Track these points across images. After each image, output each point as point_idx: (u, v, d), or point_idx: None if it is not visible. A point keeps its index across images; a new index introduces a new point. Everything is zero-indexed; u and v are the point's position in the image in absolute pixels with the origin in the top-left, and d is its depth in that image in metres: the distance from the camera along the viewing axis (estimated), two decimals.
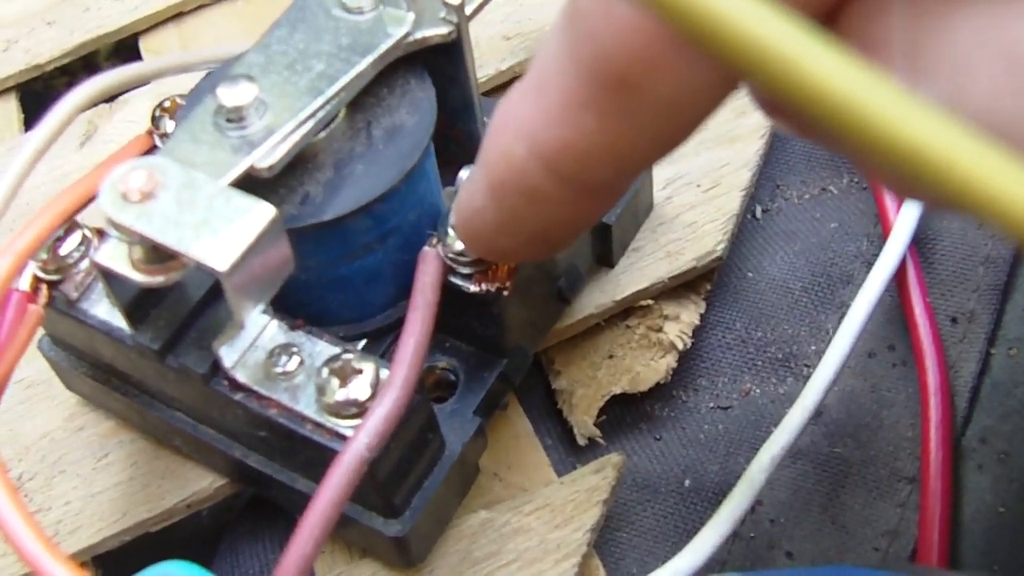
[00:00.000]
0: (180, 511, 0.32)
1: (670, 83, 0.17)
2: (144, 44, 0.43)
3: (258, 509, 0.34)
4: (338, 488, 0.24)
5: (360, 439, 0.25)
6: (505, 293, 0.28)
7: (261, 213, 0.24)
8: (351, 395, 0.26)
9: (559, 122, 0.19)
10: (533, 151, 0.19)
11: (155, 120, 0.31)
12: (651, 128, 0.18)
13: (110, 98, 0.42)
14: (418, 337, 0.26)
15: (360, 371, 0.26)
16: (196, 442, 0.31)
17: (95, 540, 0.32)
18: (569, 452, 0.34)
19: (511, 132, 0.20)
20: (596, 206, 0.22)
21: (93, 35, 0.42)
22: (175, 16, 0.43)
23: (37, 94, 0.44)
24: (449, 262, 0.28)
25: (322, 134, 0.28)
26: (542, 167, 0.19)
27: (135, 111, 0.40)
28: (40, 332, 0.32)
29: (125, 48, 0.44)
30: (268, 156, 0.26)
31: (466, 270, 0.28)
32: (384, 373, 0.26)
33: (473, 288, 0.28)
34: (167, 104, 0.31)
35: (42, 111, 0.32)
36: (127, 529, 0.32)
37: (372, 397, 0.26)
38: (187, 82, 0.31)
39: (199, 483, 0.32)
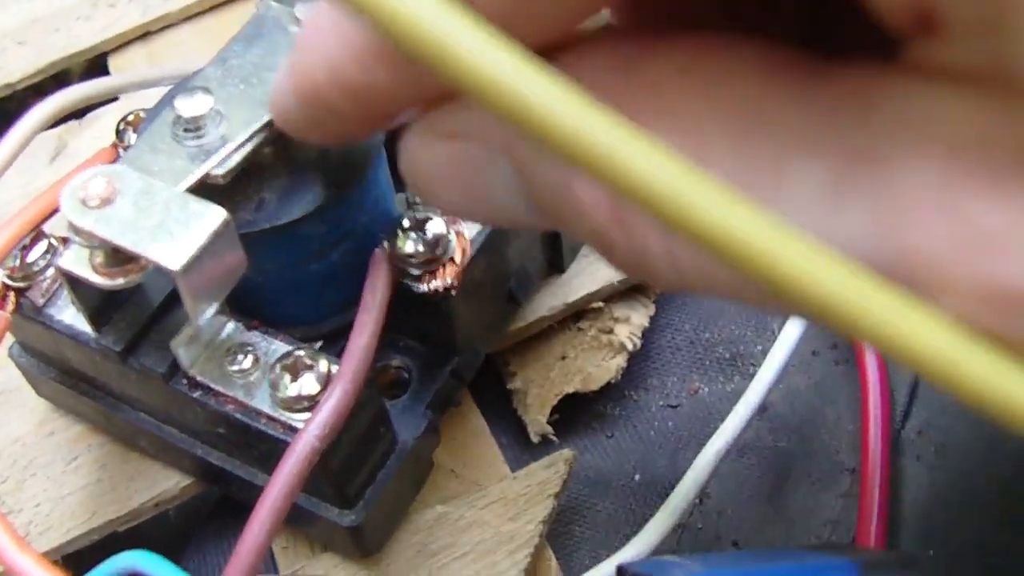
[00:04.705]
0: (147, 511, 0.34)
1: None
2: (113, 63, 0.44)
3: (224, 510, 0.35)
4: (290, 477, 0.26)
5: (311, 430, 0.26)
6: (453, 293, 0.29)
7: (214, 216, 0.25)
8: (302, 389, 0.27)
9: (358, 61, 0.19)
10: (333, 79, 0.20)
11: (119, 133, 0.33)
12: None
13: (80, 115, 0.43)
14: (367, 335, 0.28)
15: (311, 367, 0.27)
16: (161, 442, 0.32)
17: (65, 539, 0.33)
18: (523, 450, 0.35)
19: (317, 54, 0.20)
20: (397, 119, 0.23)
21: (63, 54, 0.44)
22: (143, 35, 0.44)
23: (10, 113, 0.45)
24: (399, 264, 0.29)
25: (277, 143, 0.29)
26: (341, 93, 0.20)
27: (104, 127, 0.42)
28: (11, 339, 0.33)
29: (97, 67, 0.45)
30: (222, 164, 0.27)
31: (416, 271, 0.29)
32: (335, 368, 0.27)
33: (422, 288, 0.29)
34: (131, 118, 0.33)
35: None
36: (96, 528, 0.33)
37: (323, 391, 0.27)
38: (156, 99, 0.32)
39: (165, 483, 0.33)
